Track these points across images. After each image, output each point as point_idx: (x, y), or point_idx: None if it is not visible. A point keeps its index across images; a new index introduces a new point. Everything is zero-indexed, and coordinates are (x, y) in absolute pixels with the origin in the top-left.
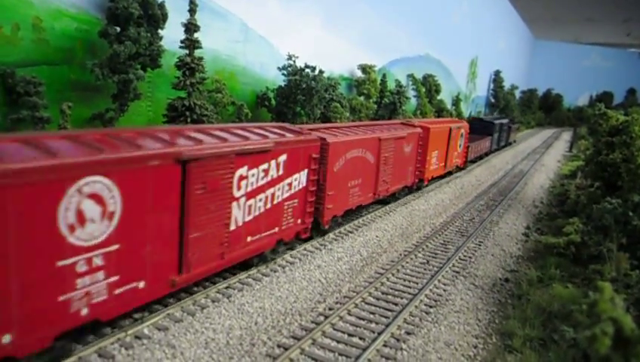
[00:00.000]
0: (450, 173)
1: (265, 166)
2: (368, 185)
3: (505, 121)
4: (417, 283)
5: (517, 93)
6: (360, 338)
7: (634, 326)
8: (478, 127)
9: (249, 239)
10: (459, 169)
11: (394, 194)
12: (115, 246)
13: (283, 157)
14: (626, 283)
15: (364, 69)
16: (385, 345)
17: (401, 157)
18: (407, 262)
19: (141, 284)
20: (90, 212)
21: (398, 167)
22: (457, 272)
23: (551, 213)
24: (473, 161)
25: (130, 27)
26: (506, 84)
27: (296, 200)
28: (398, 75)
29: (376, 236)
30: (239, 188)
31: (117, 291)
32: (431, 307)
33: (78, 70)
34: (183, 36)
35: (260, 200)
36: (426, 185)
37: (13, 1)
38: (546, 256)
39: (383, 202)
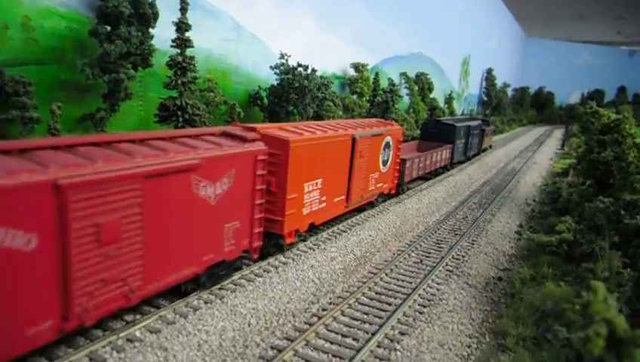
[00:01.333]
0: (372, 205)
1: None
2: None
3: (475, 122)
4: (411, 283)
5: (509, 91)
6: (354, 339)
7: (627, 328)
8: (435, 133)
9: None
10: (387, 197)
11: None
12: None
13: None
14: (618, 281)
15: (357, 67)
16: (379, 346)
17: (193, 208)
18: (400, 262)
19: None
20: None
21: (178, 231)
22: (451, 271)
23: (543, 211)
24: (425, 178)
25: (121, 26)
26: (499, 82)
27: None
28: (391, 73)
29: (370, 235)
30: None
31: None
32: (424, 307)
33: (68, 70)
34: (174, 35)
35: None
36: (294, 244)
37: (2, 0)
38: (539, 254)
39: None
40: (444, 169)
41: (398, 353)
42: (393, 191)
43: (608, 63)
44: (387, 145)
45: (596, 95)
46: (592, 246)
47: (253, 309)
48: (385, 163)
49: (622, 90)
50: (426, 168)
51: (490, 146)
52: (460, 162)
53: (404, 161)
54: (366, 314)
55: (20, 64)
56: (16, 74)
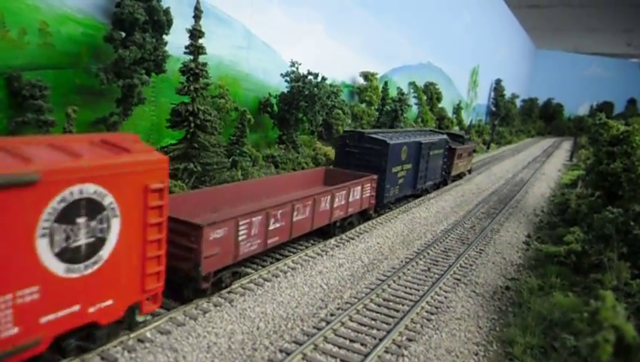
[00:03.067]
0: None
1: None
2: None
3: (434, 138)
4: (419, 290)
5: (518, 102)
6: (362, 344)
7: (635, 334)
8: (356, 153)
9: None
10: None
11: None
12: None
13: None
14: (626, 292)
15: (366, 76)
16: (386, 351)
17: None
18: (408, 269)
19: None
20: None
21: None
22: (458, 280)
23: (552, 221)
24: (318, 234)
25: (136, 32)
26: (507, 93)
27: None
28: (400, 82)
29: (378, 243)
30: None
31: None
32: (432, 314)
33: (83, 74)
34: (187, 42)
35: None
36: None
37: (21, 6)
38: (547, 264)
39: None
40: (363, 216)
41: (406, 359)
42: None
43: (618, 75)
44: (81, 210)
45: (605, 107)
46: (601, 257)
47: (262, 313)
48: (71, 254)
49: (631, 102)
50: (293, 230)
51: (470, 171)
52: (405, 199)
53: (196, 229)
54: (374, 319)
55: (36, 68)
56: (32, 78)
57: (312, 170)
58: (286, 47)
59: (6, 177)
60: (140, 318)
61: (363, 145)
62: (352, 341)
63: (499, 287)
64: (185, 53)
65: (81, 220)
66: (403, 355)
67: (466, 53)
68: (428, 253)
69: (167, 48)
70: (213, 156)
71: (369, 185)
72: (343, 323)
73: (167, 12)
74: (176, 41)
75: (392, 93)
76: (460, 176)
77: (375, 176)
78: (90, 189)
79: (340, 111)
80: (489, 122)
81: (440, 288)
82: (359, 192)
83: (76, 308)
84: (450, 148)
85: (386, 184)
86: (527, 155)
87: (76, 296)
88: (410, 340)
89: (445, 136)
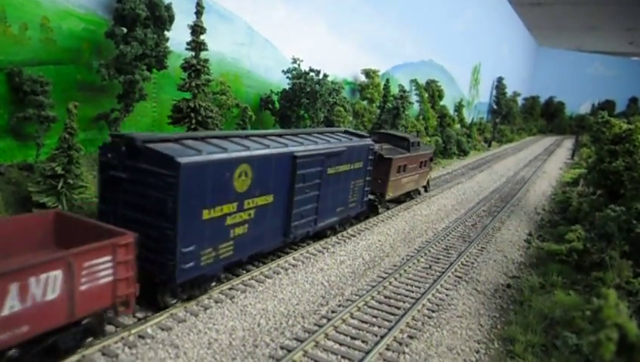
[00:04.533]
0: None
1: None
2: None
3: (342, 144)
4: (420, 288)
5: (519, 100)
6: (363, 342)
7: (638, 332)
8: (127, 181)
9: None
10: None
11: None
12: None
13: None
14: (628, 290)
15: (368, 73)
16: (387, 349)
17: None
18: (409, 267)
19: None
20: None
21: None
22: (460, 277)
23: (553, 220)
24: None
25: (137, 28)
26: (509, 91)
27: None
28: (402, 80)
29: (379, 240)
30: None
31: None
32: (433, 311)
33: (85, 70)
34: (189, 38)
35: None
36: None
37: (22, 1)
38: (548, 262)
39: None
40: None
41: (407, 356)
42: None
43: (620, 74)
44: None
45: (607, 105)
46: (602, 256)
47: (263, 310)
48: None
49: (633, 100)
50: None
51: (426, 188)
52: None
53: None
54: (375, 317)
55: (38, 64)
56: (34, 73)
57: (27, 217)
58: (288, 44)
59: None
60: None
61: (137, 164)
62: (353, 338)
63: (500, 285)
64: (186, 49)
65: None
66: (404, 352)
67: (467, 51)
68: (429, 251)
69: (168, 44)
70: None
71: (102, 260)
72: (344, 321)
73: (168, 8)
74: (177, 37)
75: (394, 90)
76: (410, 196)
77: (128, 239)
78: None
79: (341, 109)
80: (490, 120)
81: (441, 286)
82: (58, 286)
83: None
84: (381, 159)
85: (180, 245)
86: (528, 153)
87: None
88: (411, 337)
89: (368, 141)
